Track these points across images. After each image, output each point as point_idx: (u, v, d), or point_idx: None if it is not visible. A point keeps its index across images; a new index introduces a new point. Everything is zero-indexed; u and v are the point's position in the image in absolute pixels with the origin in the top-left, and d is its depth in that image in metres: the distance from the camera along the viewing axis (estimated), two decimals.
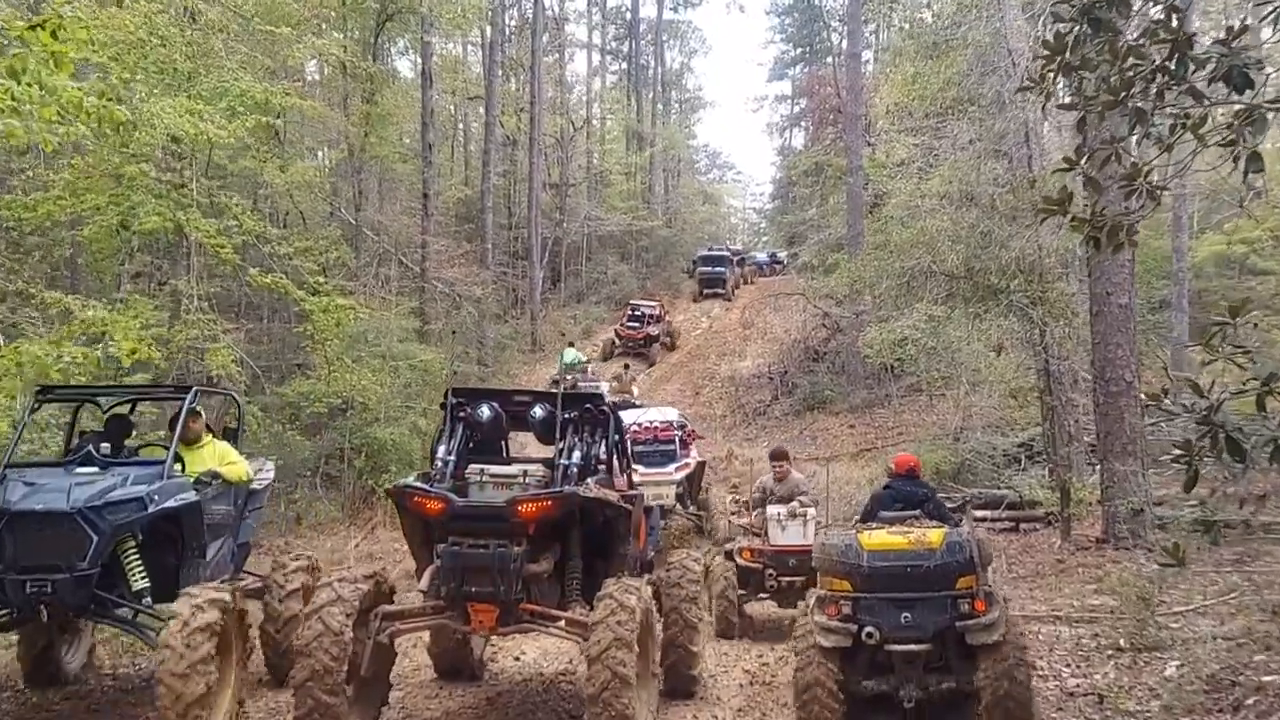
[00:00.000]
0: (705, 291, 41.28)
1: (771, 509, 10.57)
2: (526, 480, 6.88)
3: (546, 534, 6.75)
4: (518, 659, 9.41)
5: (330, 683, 6.08)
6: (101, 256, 19.48)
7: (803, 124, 60.52)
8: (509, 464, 7.44)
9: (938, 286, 13.18)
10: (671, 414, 17.05)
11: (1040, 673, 7.72)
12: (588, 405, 7.49)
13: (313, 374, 19.82)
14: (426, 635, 7.95)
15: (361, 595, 6.45)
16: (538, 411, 7.48)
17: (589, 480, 6.88)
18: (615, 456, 7.75)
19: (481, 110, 38.44)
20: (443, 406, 7.34)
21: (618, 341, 33.08)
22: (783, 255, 50.22)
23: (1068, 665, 8.08)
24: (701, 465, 16.56)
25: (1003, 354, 15.05)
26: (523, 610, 6.61)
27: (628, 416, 15.45)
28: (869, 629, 6.33)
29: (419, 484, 6.81)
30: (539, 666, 9.14)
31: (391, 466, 17.89)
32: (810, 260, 33.20)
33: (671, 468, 15.23)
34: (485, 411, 7.32)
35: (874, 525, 7.11)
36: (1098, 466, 13.45)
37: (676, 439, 15.84)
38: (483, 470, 6.99)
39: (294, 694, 6.23)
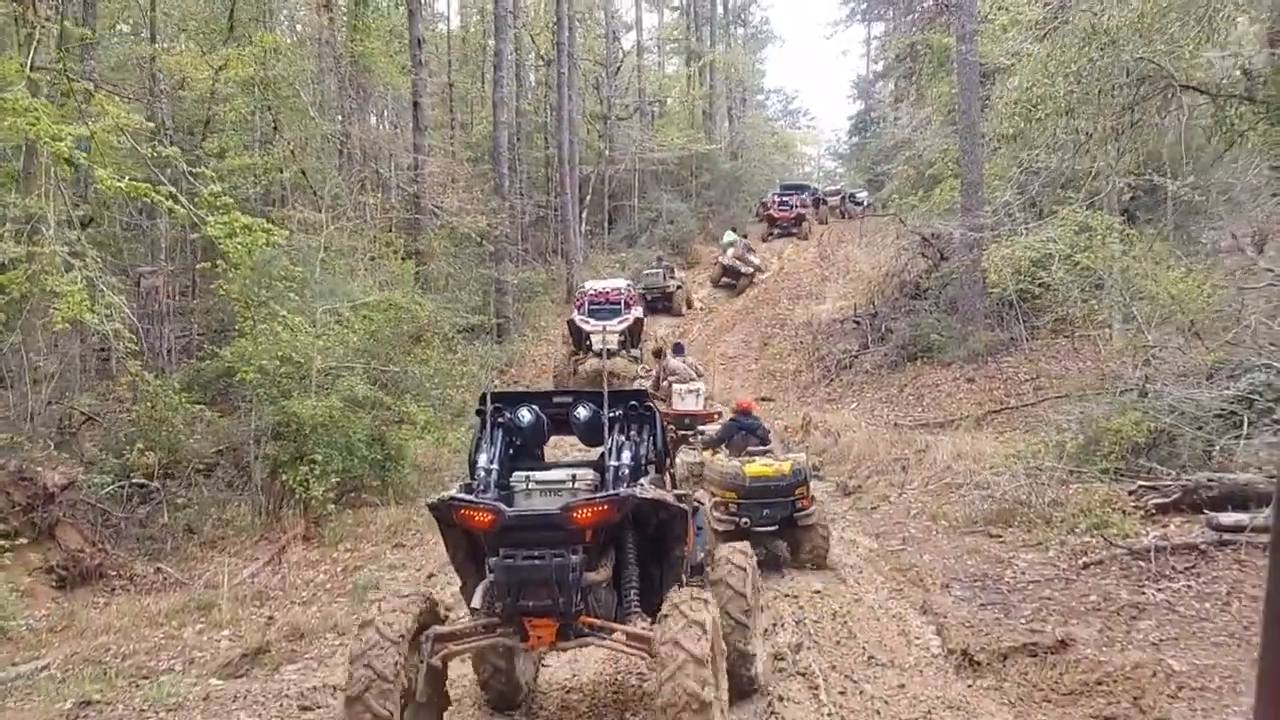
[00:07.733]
0: None
1: (677, 385, 15.35)
2: (576, 485, 6.32)
3: (603, 541, 6.17)
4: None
5: (389, 691, 5.48)
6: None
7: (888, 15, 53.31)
8: (551, 469, 6.81)
9: (1176, 112, 7.08)
10: (620, 283, 23.72)
11: None
12: (633, 402, 6.88)
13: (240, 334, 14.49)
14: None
15: (418, 612, 5.88)
16: (581, 412, 6.81)
17: (642, 481, 6.35)
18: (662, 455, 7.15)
19: (513, 33, 32.60)
20: (479, 413, 6.83)
21: (772, 225, 39.25)
22: (861, 195, 44.39)
23: None
24: (640, 320, 22.52)
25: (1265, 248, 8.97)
26: (582, 623, 6.01)
27: (588, 285, 23.88)
28: (745, 519, 10.87)
29: (463, 495, 6.02)
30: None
31: (317, 455, 12.37)
32: (906, 175, 26.88)
33: (616, 321, 21.38)
34: (526, 415, 6.73)
35: (750, 459, 11.36)
36: None
37: (622, 301, 22.24)
38: (528, 477, 6.44)
39: (346, 708, 5.52)
